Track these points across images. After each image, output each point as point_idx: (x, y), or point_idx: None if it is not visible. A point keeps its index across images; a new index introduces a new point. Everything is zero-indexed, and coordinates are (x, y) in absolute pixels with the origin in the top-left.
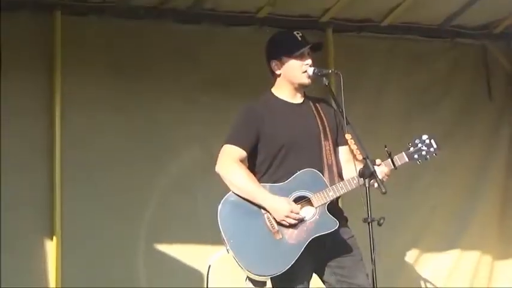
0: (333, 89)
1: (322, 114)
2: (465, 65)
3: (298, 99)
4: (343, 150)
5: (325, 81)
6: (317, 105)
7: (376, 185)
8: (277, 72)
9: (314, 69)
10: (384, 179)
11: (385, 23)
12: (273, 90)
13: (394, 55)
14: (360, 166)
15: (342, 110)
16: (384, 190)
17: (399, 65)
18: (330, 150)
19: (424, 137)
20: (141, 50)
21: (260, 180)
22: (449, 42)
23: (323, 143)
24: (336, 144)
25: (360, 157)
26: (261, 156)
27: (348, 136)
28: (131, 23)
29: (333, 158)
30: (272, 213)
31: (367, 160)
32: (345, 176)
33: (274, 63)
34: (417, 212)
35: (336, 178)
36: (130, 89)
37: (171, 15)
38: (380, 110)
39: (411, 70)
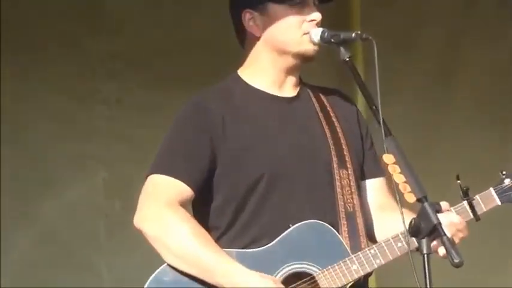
0: (360, 69)
1: (335, 119)
2: None
3: (288, 89)
4: (375, 187)
5: (343, 54)
6: (324, 100)
7: (441, 250)
8: (254, 32)
9: (324, 31)
10: (457, 239)
11: None
12: (242, 72)
13: (470, 4)
14: (410, 215)
15: (377, 108)
16: (456, 259)
17: (480, 22)
18: (349, 187)
19: None
20: None
21: (217, 243)
22: None
23: (337, 172)
24: (361, 176)
25: (411, 198)
26: (218, 197)
27: (388, 159)
28: None
29: (356, 201)
30: None
31: (426, 204)
32: (379, 234)
33: (248, 16)
34: None
35: (363, 238)
36: None
37: None
38: (445, 108)
39: (504, 31)
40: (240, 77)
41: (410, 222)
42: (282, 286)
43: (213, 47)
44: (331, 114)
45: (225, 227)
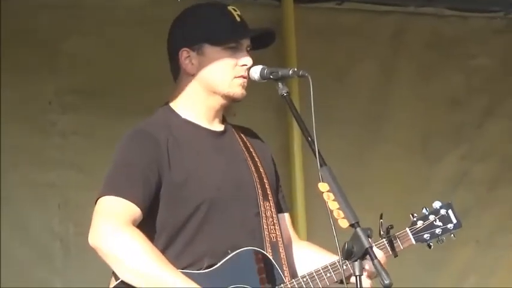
0: (296, 103)
1: (255, 156)
2: None
3: (216, 124)
4: (286, 220)
5: (281, 89)
6: (246, 139)
7: (366, 266)
8: (189, 70)
9: (263, 68)
10: None
11: None
12: (174, 104)
13: (403, 43)
14: (313, 250)
15: (313, 139)
16: (386, 280)
17: (412, 59)
18: (272, 218)
19: (437, 204)
20: None
21: None
22: (499, 19)
23: (262, 204)
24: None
25: (344, 224)
26: (161, 220)
27: (322, 187)
28: None
29: (278, 231)
30: None
31: (358, 229)
32: (298, 263)
33: (185, 54)
34: None
35: (285, 267)
36: None
37: None
38: (377, 141)
39: (432, 68)
40: (173, 109)
41: (344, 245)
42: None
43: (157, 81)
44: (252, 151)
45: (162, 250)
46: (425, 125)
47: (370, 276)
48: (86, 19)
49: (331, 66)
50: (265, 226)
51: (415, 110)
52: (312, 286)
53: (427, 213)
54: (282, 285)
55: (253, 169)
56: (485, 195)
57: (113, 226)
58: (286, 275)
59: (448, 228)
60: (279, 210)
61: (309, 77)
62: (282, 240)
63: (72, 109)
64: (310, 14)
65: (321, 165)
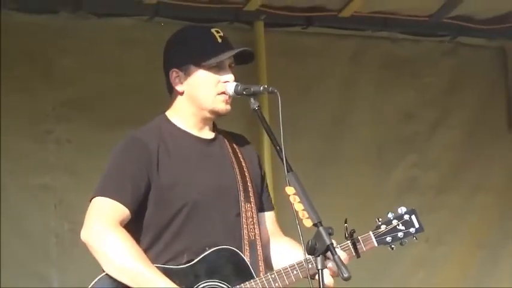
0: (266, 116)
1: (243, 161)
2: (472, 77)
3: (206, 132)
4: (269, 219)
5: (253, 104)
6: (234, 145)
7: (330, 264)
8: (178, 88)
9: (237, 85)
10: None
11: (346, 13)
12: (170, 114)
13: (361, 63)
14: (295, 243)
15: (281, 148)
16: (346, 274)
17: (369, 77)
18: (252, 219)
19: (401, 210)
20: None
21: None
22: (447, 42)
23: (243, 205)
24: (259, 209)
25: (308, 223)
26: (146, 218)
27: (289, 190)
28: None
29: (257, 230)
30: None
31: (321, 228)
32: (274, 258)
33: (174, 74)
34: None
35: (261, 263)
36: None
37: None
38: (337, 151)
39: (387, 86)
40: (168, 119)
41: (308, 242)
42: None
43: (148, 92)
44: (240, 156)
45: (148, 244)
46: (381, 135)
47: (332, 275)
48: (79, 38)
49: (297, 82)
50: (244, 226)
51: (372, 122)
52: (279, 283)
53: (391, 218)
54: (252, 281)
55: (237, 172)
56: (433, 199)
57: (102, 226)
58: (260, 270)
59: (410, 232)
60: (264, 209)
61: (278, 93)
62: (261, 239)
63: (66, 120)
64: (278, 36)
65: (287, 171)
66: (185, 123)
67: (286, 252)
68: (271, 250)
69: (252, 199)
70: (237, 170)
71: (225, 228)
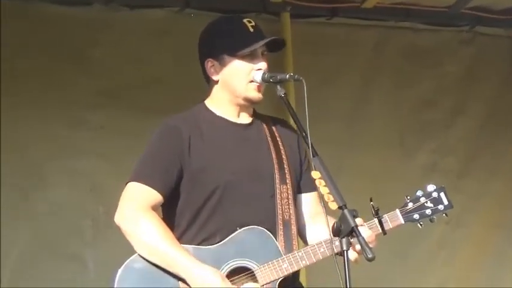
0: (292, 103)
1: (281, 144)
2: (490, 66)
3: (244, 118)
4: (308, 200)
5: (279, 91)
6: (274, 129)
7: (358, 247)
8: (214, 77)
9: (264, 73)
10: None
11: (369, 4)
12: (208, 102)
13: (383, 52)
14: (333, 220)
15: (306, 134)
16: (370, 255)
17: (390, 66)
18: (288, 199)
19: (430, 188)
20: None
21: (180, 240)
22: (465, 32)
23: (278, 187)
24: (298, 190)
25: (333, 206)
26: (182, 202)
27: (315, 174)
28: None
29: (292, 210)
30: None
31: (345, 210)
32: (310, 238)
33: (210, 64)
34: None
35: (295, 242)
36: None
37: None
38: (360, 137)
39: (408, 74)
40: (206, 106)
41: (333, 224)
42: (225, 278)
43: (177, 81)
44: (278, 140)
45: (185, 226)
46: (402, 122)
47: (357, 251)
48: (111, 30)
49: (322, 71)
50: (279, 206)
51: (393, 110)
52: (306, 260)
53: (419, 196)
54: (279, 259)
55: (274, 156)
56: (452, 183)
57: (134, 210)
58: (294, 249)
59: (439, 209)
60: (302, 191)
61: (303, 81)
62: (297, 219)
63: (100, 107)
64: (304, 27)
65: (313, 156)
66: (222, 110)
67: (323, 233)
68: (309, 230)
69: (288, 181)
70: (274, 153)
71: (258, 209)
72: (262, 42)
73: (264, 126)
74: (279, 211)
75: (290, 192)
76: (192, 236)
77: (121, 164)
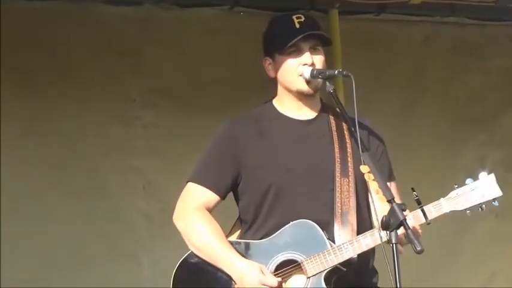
0: (341, 99)
1: (347, 137)
2: None
3: (307, 113)
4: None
5: (329, 87)
6: (342, 123)
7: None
8: (271, 74)
9: (313, 70)
10: None
11: (416, 0)
12: (274, 100)
13: (431, 47)
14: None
15: (355, 129)
16: (418, 247)
17: (439, 61)
18: (348, 192)
19: (482, 175)
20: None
21: (245, 236)
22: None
23: (338, 180)
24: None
25: (382, 200)
26: (246, 199)
27: (364, 169)
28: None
29: (352, 203)
30: (239, 286)
31: (394, 204)
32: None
33: (267, 63)
34: None
35: (354, 234)
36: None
37: None
38: (410, 130)
39: (457, 69)
40: (272, 104)
41: (382, 218)
42: (268, 272)
43: (228, 80)
44: (345, 133)
45: (249, 223)
46: (451, 116)
47: (400, 242)
48: (162, 29)
49: (370, 67)
50: (338, 199)
51: (442, 104)
52: (350, 252)
53: (467, 184)
54: (325, 251)
55: (337, 150)
56: (501, 176)
57: (187, 209)
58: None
59: (488, 196)
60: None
61: (352, 77)
62: (358, 212)
63: (152, 106)
64: (352, 23)
65: (362, 151)
66: (284, 107)
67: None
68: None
69: (350, 174)
70: (337, 147)
71: (316, 203)
72: (300, 36)
73: (331, 119)
74: (338, 204)
75: (352, 185)
76: (255, 231)
77: (173, 161)
